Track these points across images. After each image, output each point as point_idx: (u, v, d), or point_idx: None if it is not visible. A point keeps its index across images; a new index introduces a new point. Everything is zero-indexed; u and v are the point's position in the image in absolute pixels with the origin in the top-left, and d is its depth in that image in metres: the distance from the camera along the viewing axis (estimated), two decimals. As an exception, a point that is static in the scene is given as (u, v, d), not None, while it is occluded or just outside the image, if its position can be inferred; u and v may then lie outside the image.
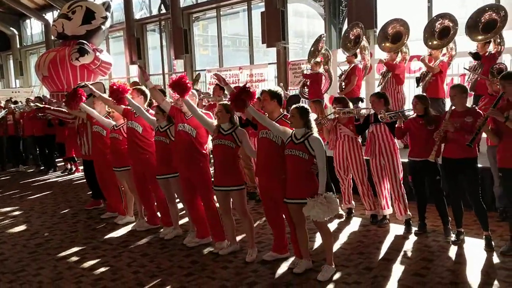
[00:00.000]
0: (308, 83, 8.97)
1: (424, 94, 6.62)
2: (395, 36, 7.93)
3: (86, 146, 6.75)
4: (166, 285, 4.15)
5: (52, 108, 8.78)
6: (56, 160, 11.06)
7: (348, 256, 4.62)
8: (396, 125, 5.13)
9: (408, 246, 4.84)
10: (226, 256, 4.73)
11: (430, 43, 7.31)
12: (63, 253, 5.09)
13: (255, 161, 6.10)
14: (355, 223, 5.71)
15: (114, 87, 5.34)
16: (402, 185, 5.30)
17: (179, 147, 4.86)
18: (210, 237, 5.09)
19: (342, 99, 5.78)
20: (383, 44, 8.04)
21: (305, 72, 9.79)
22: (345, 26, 11.43)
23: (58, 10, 17.33)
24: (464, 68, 7.19)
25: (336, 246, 4.85)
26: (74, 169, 10.27)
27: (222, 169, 4.58)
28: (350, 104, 5.66)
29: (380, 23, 8.97)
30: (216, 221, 4.93)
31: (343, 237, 5.21)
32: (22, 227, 6.19)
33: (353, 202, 5.97)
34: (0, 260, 4.97)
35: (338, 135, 5.67)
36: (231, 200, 4.71)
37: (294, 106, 4.15)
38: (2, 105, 11.81)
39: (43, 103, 10.13)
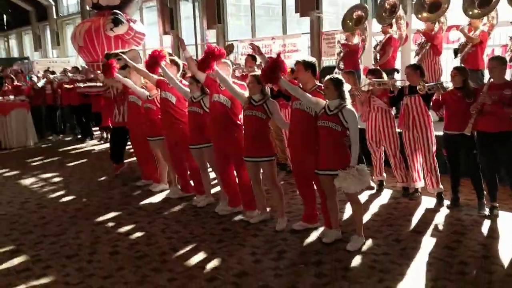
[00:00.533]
0: (344, 54, 8.76)
1: (463, 65, 6.42)
2: (433, 5, 7.64)
3: (120, 115, 6.91)
4: (199, 251, 4.27)
5: (82, 86, 9.00)
6: (92, 129, 11.36)
7: (378, 228, 4.63)
8: (434, 97, 5.03)
9: (439, 219, 4.81)
10: (257, 224, 4.83)
11: (470, 12, 7.02)
12: (101, 218, 5.30)
13: (286, 132, 6.13)
14: (385, 195, 5.69)
15: (152, 53, 5.46)
16: (435, 158, 5.23)
17: (214, 118, 4.92)
18: (241, 206, 5.19)
19: (376, 70, 5.69)
20: (421, 14, 7.77)
21: (341, 42, 9.57)
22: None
23: (93, -20, 17.42)
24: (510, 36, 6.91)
25: (366, 218, 4.85)
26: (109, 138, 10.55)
27: (253, 140, 4.61)
28: (384, 76, 5.56)
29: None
30: (248, 190, 5.01)
31: (373, 209, 5.22)
32: (61, 193, 6.46)
33: (384, 174, 5.93)
34: (43, 224, 5.22)
35: (372, 107, 5.60)
36: (261, 170, 4.76)
37: (328, 77, 4.11)
38: (41, 75, 12.14)
39: (80, 73, 10.44)
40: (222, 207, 5.29)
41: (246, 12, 15.84)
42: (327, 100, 4.10)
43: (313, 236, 4.49)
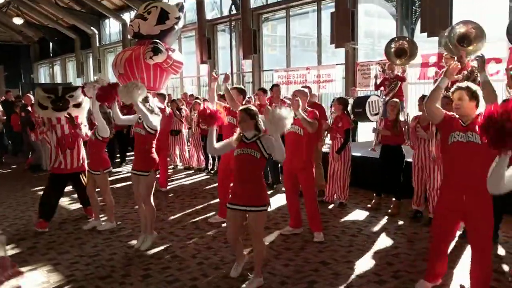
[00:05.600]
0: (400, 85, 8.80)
1: None
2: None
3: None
4: (229, 277, 4.27)
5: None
6: (128, 154, 11.61)
7: (411, 262, 4.52)
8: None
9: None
10: (287, 253, 4.81)
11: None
12: (134, 241, 5.37)
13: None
14: (422, 228, 5.57)
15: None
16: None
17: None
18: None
19: None
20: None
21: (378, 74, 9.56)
22: (418, 27, 11.11)
23: (135, 11, 18.16)
24: None
25: (400, 251, 4.79)
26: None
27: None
28: None
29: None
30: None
31: (406, 243, 5.11)
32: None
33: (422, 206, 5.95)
34: (79, 244, 5.35)
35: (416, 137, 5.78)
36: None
37: None
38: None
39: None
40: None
41: (281, 42, 16.13)
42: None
43: (344, 267, 4.43)
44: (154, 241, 5.18)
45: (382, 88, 9.03)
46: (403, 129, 6.22)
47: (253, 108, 4.01)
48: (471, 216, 3.46)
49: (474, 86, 3.51)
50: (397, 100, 6.72)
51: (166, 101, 9.74)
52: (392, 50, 8.77)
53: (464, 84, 3.55)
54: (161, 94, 8.47)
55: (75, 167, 6.08)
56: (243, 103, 5.71)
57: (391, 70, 8.72)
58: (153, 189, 5.14)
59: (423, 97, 5.90)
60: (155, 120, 4.99)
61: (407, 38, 9.06)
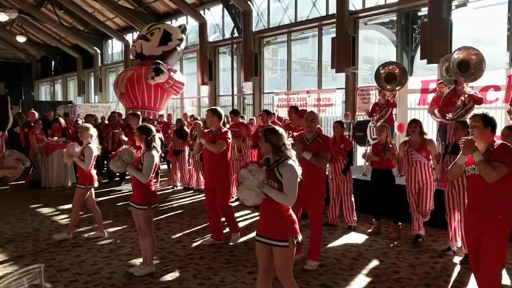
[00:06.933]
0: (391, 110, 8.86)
1: None
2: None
3: None
4: (230, 299, 4.25)
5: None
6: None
7: (413, 287, 4.51)
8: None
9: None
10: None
11: None
12: (134, 261, 5.34)
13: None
14: (423, 253, 5.56)
15: None
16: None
17: None
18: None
19: None
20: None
21: (377, 99, 9.66)
22: (418, 54, 11.28)
23: (138, 32, 18.42)
24: None
25: (401, 275, 4.77)
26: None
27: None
28: None
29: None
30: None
31: (409, 267, 5.09)
32: (96, 233, 6.56)
33: (422, 230, 5.91)
34: (78, 262, 5.31)
35: (410, 161, 5.76)
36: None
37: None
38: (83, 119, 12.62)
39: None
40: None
41: (282, 66, 16.32)
42: None
43: (347, 291, 4.41)
44: (151, 271, 4.93)
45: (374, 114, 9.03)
46: (394, 154, 6.19)
47: (273, 129, 3.48)
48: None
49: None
50: (386, 124, 6.82)
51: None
52: (383, 75, 8.76)
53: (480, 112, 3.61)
54: (135, 114, 8.34)
55: None
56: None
57: (382, 96, 8.75)
58: (152, 221, 4.99)
59: (412, 121, 5.96)
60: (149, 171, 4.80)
61: (400, 65, 9.11)
